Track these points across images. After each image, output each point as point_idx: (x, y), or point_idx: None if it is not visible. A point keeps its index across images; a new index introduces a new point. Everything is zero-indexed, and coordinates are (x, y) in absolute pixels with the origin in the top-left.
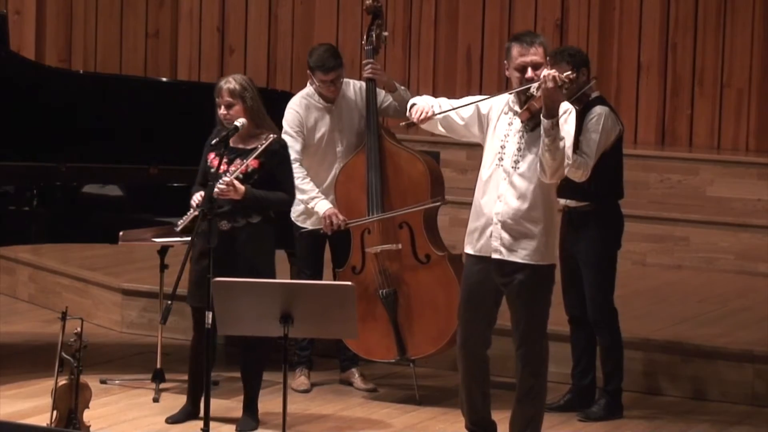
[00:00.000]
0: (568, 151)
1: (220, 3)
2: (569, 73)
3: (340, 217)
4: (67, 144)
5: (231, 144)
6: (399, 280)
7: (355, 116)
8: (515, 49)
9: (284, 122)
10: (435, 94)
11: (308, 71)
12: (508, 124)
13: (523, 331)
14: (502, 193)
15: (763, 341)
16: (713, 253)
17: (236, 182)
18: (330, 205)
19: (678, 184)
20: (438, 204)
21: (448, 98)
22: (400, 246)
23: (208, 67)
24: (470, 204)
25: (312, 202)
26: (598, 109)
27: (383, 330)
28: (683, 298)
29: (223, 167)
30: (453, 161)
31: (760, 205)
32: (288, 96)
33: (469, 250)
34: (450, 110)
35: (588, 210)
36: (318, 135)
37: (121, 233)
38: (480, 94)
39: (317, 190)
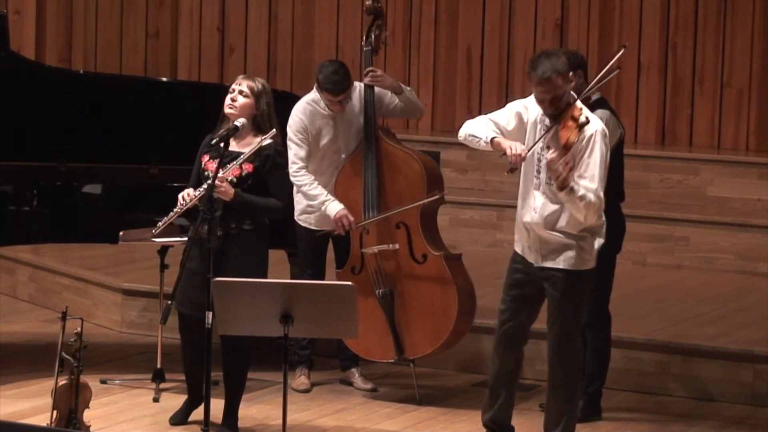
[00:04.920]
0: (600, 180)
1: (220, 3)
2: (569, 172)
3: (351, 218)
4: (67, 144)
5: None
6: (396, 280)
7: (360, 121)
8: (532, 79)
9: (289, 129)
10: (435, 94)
11: (316, 85)
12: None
13: (557, 329)
14: (537, 206)
15: (763, 341)
16: (713, 253)
17: (227, 183)
18: (341, 206)
19: (678, 184)
20: (436, 198)
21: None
22: (397, 246)
23: (208, 67)
24: (471, 204)
25: (323, 205)
26: (599, 113)
27: (381, 330)
28: (683, 298)
29: (214, 168)
30: (453, 161)
31: (760, 205)
32: (288, 96)
33: (516, 248)
34: (531, 146)
35: None
36: (323, 142)
37: (121, 233)
38: (480, 93)
39: (326, 192)
